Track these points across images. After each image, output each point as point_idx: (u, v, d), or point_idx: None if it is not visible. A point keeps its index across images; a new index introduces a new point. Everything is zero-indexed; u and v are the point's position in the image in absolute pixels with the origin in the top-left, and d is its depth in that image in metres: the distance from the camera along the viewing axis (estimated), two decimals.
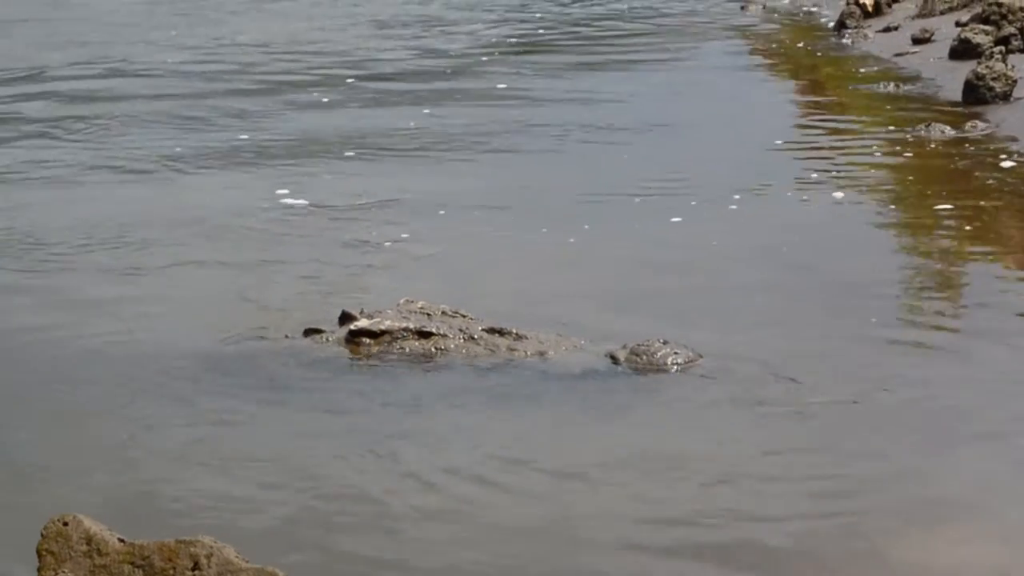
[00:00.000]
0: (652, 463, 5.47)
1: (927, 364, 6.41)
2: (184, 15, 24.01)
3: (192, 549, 4.06)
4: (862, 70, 15.60)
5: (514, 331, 6.66)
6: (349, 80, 16.24)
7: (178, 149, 12.11)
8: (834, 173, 10.45)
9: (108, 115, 14.04)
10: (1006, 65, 12.70)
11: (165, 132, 13.05)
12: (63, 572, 4.09)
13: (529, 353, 6.53)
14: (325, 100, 14.89)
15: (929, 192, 9.70)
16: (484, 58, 17.90)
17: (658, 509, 5.08)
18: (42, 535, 4.16)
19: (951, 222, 8.86)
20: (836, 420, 5.79)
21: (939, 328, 6.88)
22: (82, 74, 17.22)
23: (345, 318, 6.85)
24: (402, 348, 6.66)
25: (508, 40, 19.80)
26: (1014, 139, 11.13)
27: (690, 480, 5.29)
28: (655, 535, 4.88)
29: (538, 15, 22.90)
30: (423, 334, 6.67)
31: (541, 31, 20.84)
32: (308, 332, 6.83)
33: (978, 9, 16.44)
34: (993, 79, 12.51)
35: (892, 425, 5.73)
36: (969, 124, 11.58)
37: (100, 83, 16.46)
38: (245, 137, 12.68)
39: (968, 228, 8.67)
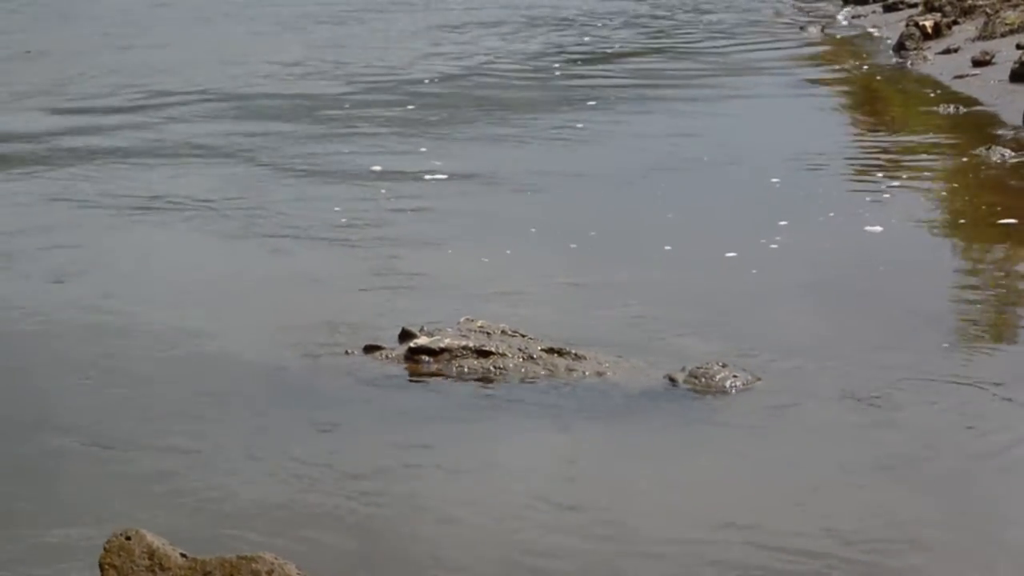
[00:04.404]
0: (710, 486, 5.46)
1: (996, 391, 6.35)
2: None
3: (254, 565, 4.09)
4: (922, 92, 15.49)
5: (573, 351, 6.65)
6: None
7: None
8: (893, 195, 10.38)
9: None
10: None
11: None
12: None
13: (588, 373, 6.52)
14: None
15: (991, 213, 9.62)
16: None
17: (716, 533, 5.06)
18: (104, 549, 4.19)
19: (1014, 242, 8.80)
20: (899, 445, 5.75)
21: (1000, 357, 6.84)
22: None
23: (405, 335, 6.86)
24: (461, 367, 6.66)
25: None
26: None
27: (752, 505, 5.27)
28: (710, 560, 4.87)
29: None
30: (482, 353, 6.68)
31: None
32: (368, 349, 6.85)
33: None
34: None
35: (959, 453, 5.68)
36: None
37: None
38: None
39: None
